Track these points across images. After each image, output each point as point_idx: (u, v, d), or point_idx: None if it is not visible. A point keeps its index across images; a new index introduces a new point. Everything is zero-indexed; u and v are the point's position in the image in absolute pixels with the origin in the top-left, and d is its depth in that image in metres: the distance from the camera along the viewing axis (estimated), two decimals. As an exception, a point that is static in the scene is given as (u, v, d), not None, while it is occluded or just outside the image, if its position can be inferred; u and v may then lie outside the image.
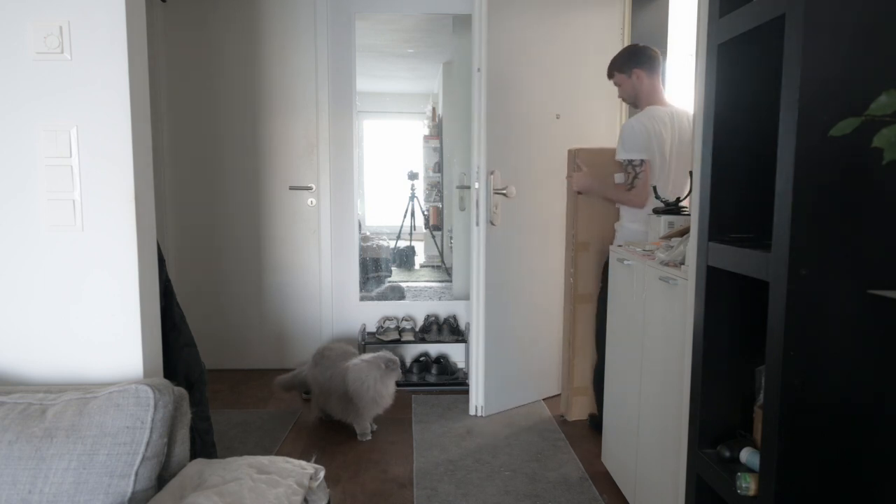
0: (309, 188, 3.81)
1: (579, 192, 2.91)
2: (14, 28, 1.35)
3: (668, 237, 2.20)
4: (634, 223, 2.69)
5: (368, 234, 4.46)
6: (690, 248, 1.60)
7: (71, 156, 1.38)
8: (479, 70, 3.00)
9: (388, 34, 4.41)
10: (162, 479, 1.23)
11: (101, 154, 1.39)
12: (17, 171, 1.39)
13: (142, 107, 1.45)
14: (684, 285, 1.73)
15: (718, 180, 1.35)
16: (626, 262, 2.22)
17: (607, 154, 2.87)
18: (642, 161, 2.56)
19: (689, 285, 1.62)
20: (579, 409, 3.11)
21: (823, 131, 1.01)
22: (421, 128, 6.71)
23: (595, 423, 2.89)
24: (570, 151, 2.99)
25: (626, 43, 3.51)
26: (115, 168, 1.40)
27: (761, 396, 1.33)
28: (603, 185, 2.80)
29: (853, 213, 1.04)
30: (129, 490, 1.15)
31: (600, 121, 3.49)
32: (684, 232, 2.11)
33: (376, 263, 4.84)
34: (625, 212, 2.75)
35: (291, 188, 3.82)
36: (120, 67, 1.37)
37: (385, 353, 2.87)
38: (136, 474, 1.16)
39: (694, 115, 1.55)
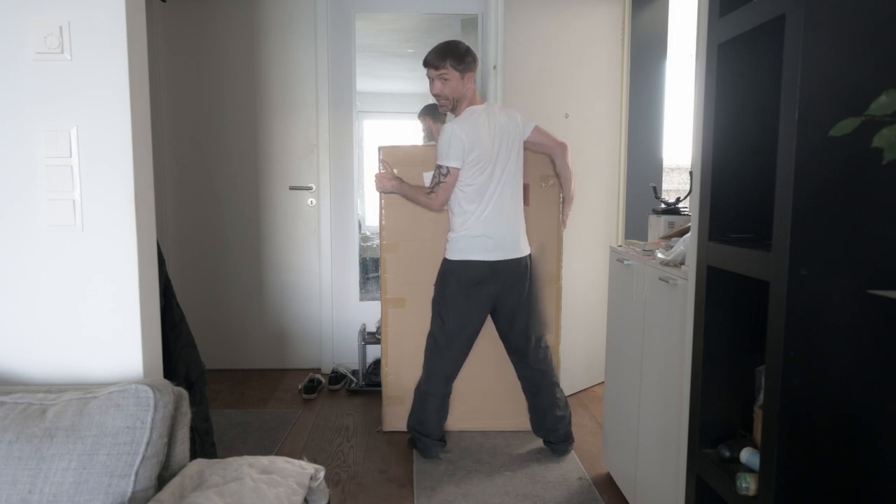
0: (309, 188, 3.81)
1: (384, 193, 2.77)
2: (14, 28, 1.35)
3: (668, 237, 2.20)
4: (461, 230, 2.53)
5: (368, 234, 4.45)
6: (690, 248, 1.60)
7: (71, 156, 1.38)
8: (494, 67, 2.98)
9: (388, 34, 4.40)
10: (162, 479, 1.23)
11: (101, 154, 1.39)
12: (16, 171, 1.39)
13: (142, 107, 1.45)
14: (684, 285, 1.73)
15: (718, 180, 1.35)
16: (626, 262, 2.22)
17: (414, 152, 2.82)
18: (450, 169, 2.47)
19: (689, 285, 1.62)
20: (394, 420, 2.91)
21: (823, 131, 1.01)
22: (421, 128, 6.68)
23: (412, 444, 2.73)
24: (378, 149, 2.87)
25: (626, 44, 3.50)
26: (115, 168, 1.40)
27: (761, 396, 1.33)
28: (402, 185, 2.65)
29: (853, 213, 1.04)
30: (129, 490, 1.15)
31: (604, 120, 3.49)
32: (684, 232, 2.11)
33: (376, 263, 4.83)
34: (454, 219, 2.57)
35: (291, 188, 3.82)
36: (120, 68, 1.37)
37: None
38: (136, 474, 1.16)
39: (694, 115, 1.55)
